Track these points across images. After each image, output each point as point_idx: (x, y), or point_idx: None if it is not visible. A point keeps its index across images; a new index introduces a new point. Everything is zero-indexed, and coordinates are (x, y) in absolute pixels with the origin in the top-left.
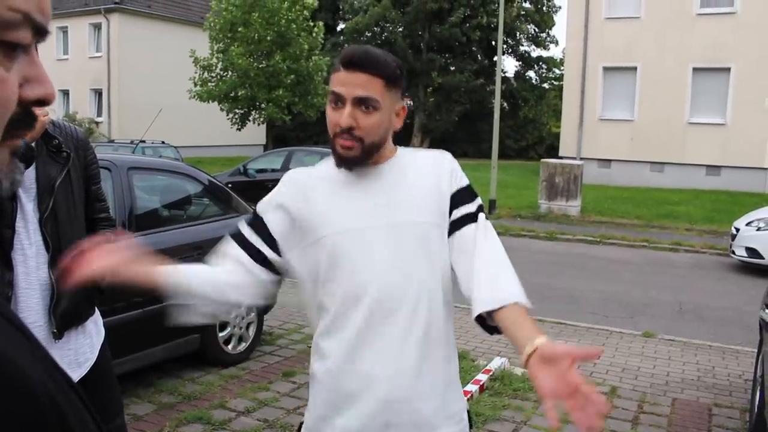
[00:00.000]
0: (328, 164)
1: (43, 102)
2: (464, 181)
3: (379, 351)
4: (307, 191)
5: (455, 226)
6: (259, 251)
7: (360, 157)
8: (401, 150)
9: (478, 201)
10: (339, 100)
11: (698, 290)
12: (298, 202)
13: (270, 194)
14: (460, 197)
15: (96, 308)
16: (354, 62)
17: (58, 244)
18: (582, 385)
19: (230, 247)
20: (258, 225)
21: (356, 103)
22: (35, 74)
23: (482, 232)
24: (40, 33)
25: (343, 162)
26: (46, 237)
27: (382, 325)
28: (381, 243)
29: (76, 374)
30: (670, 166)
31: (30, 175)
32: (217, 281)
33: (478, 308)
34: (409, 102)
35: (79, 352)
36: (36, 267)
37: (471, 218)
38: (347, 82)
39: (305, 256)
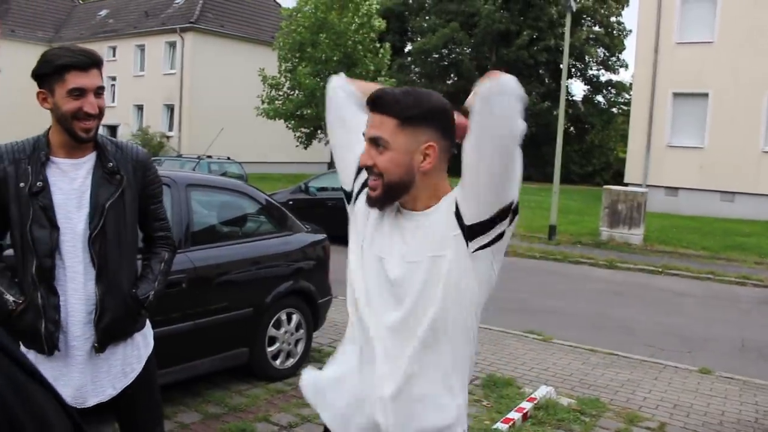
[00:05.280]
0: None
1: None
2: None
3: (368, 374)
4: None
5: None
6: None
7: (383, 195)
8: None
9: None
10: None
11: (764, 327)
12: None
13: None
14: None
15: (147, 321)
16: (369, 103)
17: (104, 262)
18: None
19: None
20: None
21: (371, 143)
22: None
23: None
24: None
25: (369, 201)
26: (92, 254)
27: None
28: (383, 274)
29: (121, 384)
30: (741, 196)
31: (84, 194)
32: None
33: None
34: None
35: (126, 362)
36: (83, 283)
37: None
38: (368, 123)
39: None
